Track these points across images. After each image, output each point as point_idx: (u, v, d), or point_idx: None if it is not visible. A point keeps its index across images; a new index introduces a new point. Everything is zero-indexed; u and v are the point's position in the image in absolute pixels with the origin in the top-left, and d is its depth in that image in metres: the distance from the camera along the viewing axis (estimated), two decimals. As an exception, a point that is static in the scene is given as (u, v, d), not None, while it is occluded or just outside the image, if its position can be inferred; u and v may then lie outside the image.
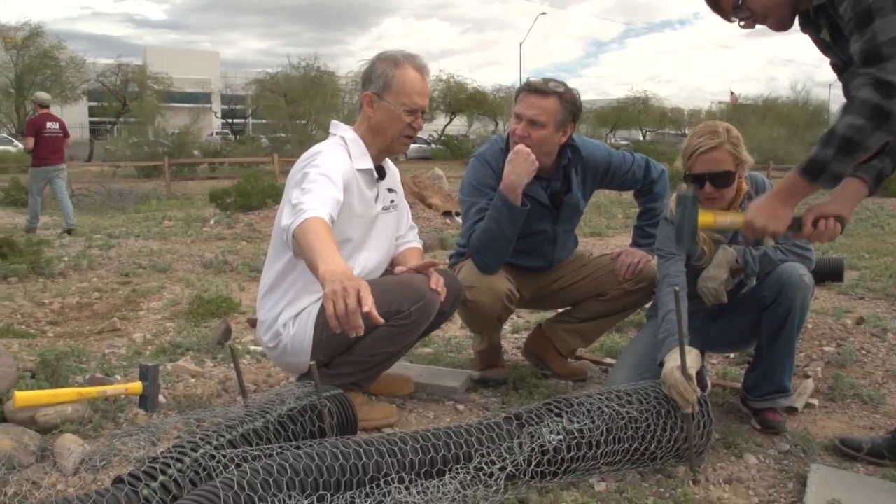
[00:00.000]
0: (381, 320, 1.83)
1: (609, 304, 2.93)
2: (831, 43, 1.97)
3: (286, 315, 2.44)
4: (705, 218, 2.16)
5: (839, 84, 2.00)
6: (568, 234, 2.99)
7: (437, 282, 2.40)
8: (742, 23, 2.04)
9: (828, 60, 2.06)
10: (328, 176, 2.24)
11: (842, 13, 1.80)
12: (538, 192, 2.78)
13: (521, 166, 2.57)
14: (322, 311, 2.25)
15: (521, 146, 2.60)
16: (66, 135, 9.50)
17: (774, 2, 1.97)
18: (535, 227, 2.81)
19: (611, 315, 2.99)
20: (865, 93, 1.73)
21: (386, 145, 2.53)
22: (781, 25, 2.02)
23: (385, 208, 2.59)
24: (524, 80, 2.76)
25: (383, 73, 2.44)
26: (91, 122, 42.49)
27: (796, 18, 2.03)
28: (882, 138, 1.78)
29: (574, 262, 3.00)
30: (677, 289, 2.10)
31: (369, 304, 1.79)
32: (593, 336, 3.11)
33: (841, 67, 1.98)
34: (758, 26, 2.07)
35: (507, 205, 2.60)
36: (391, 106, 2.44)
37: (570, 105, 2.66)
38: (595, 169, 2.89)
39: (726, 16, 2.07)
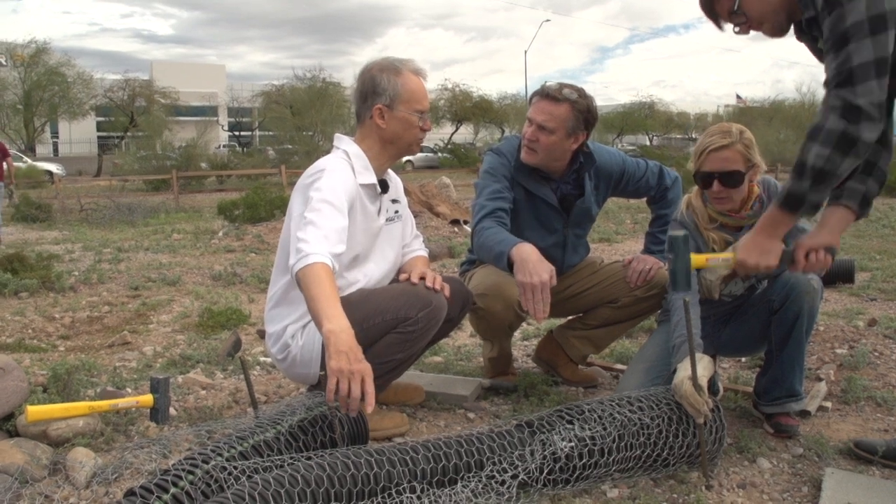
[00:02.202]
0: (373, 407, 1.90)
1: (620, 311, 2.92)
2: None
3: (294, 327, 2.44)
4: (697, 259, 2.15)
5: None
6: (579, 239, 2.99)
7: (433, 281, 2.40)
8: (737, 29, 2.04)
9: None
10: (331, 202, 2.24)
11: (823, 29, 1.82)
12: (547, 194, 2.78)
13: (535, 277, 2.34)
14: None
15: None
16: (4, 154, 10.74)
17: (771, 7, 1.97)
18: (545, 230, 2.80)
19: (622, 322, 2.97)
20: (832, 121, 1.77)
21: (400, 153, 2.55)
22: (776, 31, 2.02)
23: (389, 219, 2.59)
24: (538, 85, 2.76)
25: (390, 84, 2.44)
26: (99, 137, 42.74)
27: (791, 26, 2.03)
28: (853, 163, 1.83)
29: (585, 269, 2.99)
30: (687, 298, 2.09)
31: (371, 405, 1.87)
32: (605, 343, 3.10)
33: None
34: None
35: (501, 256, 2.46)
36: (405, 114, 2.45)
37: (583, 113, 2.66)
38: (609, 175, 2.90)
39: (720, 23, 2.07)
